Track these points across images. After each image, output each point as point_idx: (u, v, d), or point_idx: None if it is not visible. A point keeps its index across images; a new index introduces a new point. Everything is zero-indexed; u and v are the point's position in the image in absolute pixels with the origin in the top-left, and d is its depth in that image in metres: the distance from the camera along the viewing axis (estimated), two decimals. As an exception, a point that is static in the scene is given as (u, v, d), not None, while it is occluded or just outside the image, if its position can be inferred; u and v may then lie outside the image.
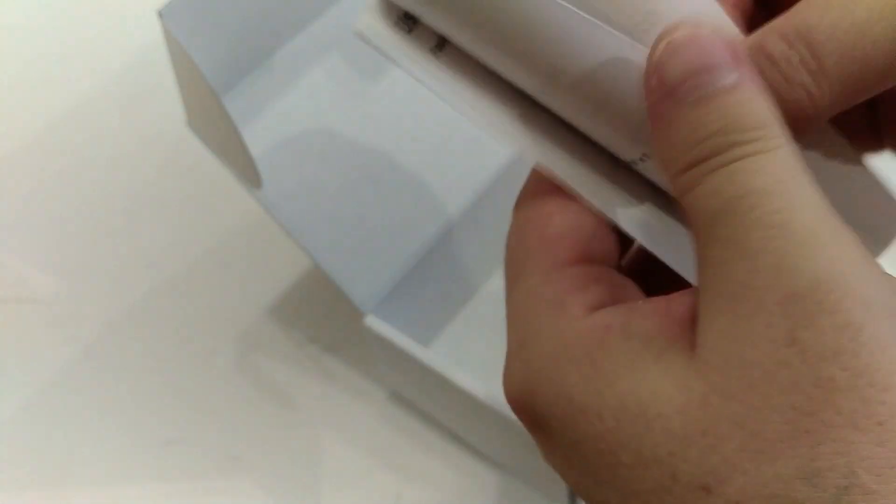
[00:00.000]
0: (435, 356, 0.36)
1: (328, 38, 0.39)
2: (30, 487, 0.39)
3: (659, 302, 0.19)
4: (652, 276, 0.22)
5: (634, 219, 0.22)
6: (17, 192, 0.50)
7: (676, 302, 0.19)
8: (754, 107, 0.18)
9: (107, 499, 0.38)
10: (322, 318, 0.44)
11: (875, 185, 0.30)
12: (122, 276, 0.46)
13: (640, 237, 0.22)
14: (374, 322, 0.36)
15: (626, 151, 0.22)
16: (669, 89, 0.19)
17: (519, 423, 0.20)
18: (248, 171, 0.35)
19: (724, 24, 0.22)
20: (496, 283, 0.43)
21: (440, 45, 0.24)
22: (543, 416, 0.19)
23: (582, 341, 0.19)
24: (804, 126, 0.22)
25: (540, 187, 0.22)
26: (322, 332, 0.43)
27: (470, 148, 0.40)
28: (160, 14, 0.34)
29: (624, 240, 0.22)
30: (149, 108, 0.53)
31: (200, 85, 0.35)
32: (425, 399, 0.40)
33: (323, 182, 0.38)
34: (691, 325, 0.18)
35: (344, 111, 0.39)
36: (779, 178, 0.17)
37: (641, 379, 0.17)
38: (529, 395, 0.19)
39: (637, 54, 0.20)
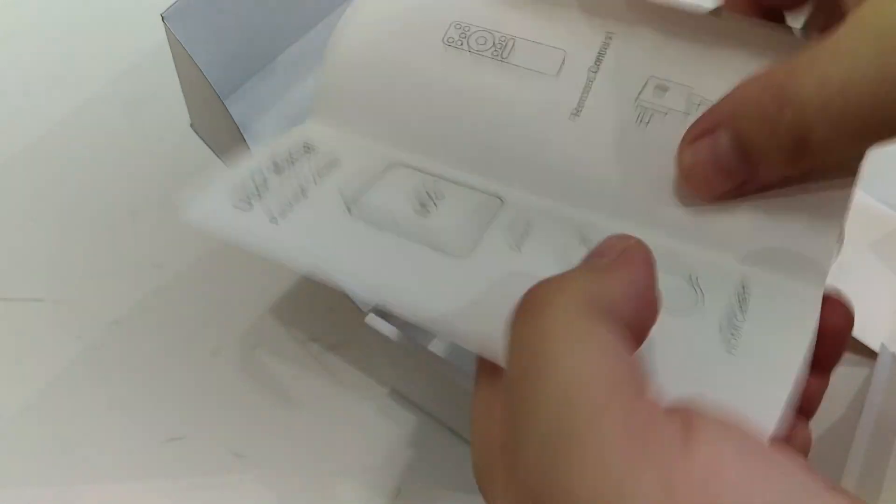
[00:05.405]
0: (435, 354, 0.36)
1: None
2: (32, 485, 0.39)
3: None
4: None
5: None
6: (21, 191, 0.50)
7: None
8: None
9: (110, 497, 0.39)
10: (323, 316, 0.44)
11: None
12: (126, 276, 0.46)
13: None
14: (374, 320, 0.36)
15: None
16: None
17: None
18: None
19: None
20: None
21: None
22: None
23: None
24: (766, 177, 0.24)
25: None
26: (323, 330, 0.44)
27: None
28: (164, 17, 0.34)
29: None
30: (152, 110, 0.53)
31: (203, 87, 0.35)
32: (425, 396, 0.40)
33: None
34: None
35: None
36: None
37: None
38: None
39: None
